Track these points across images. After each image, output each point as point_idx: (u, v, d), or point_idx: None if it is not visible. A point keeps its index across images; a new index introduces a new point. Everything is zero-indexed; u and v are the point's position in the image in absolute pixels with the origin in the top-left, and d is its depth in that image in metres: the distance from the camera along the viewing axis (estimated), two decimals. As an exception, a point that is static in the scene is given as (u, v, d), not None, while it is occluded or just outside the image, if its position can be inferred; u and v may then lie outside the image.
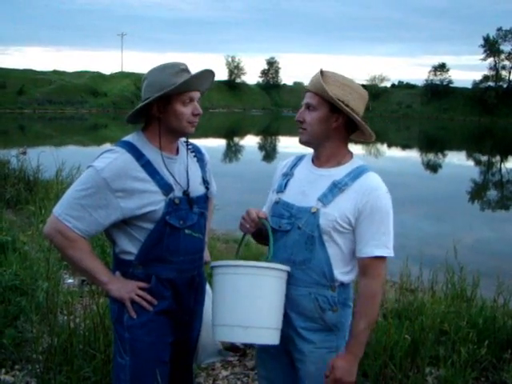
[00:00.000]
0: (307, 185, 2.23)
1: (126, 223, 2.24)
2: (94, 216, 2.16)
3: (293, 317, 2.19)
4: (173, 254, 2.27)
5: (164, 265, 2.27)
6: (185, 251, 2.30)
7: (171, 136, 2.30)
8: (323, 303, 2.16)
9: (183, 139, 2.45)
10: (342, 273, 2.18)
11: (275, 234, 2.23)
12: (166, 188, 2.23)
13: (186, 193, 2.29)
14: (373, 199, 2.12)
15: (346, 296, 2.22)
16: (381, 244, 2.11)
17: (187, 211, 2.29)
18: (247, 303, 2.04)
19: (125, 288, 2.23)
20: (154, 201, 2.20)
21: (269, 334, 2.07)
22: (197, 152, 2.50)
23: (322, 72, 2.19)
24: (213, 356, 2.63)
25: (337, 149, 2.23)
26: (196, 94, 2.26)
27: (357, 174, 2.17)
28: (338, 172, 2.20)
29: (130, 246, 2.26)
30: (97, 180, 2.15)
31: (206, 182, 2.46)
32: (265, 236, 2.26)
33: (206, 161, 2.52)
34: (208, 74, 2.28)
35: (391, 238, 2.14)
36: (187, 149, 2.45)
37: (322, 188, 2.18)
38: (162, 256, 2.26)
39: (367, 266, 2.13)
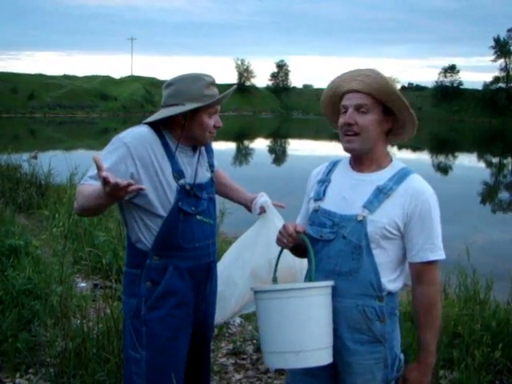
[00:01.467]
0: (349, 191, 2.11)
1: (140, 210, 2.27)
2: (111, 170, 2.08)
3: (339, 329, 2.08)
4: (188, 241, 2.31)
5: (181, 253, 2.30)
6: (198, 237, 2.35)
7: (189, 141, 2.37)
8: (371, 314, 2.06)
9: None
10: (390, 281, 2.08)
11: (316, 245, 2.12)
12: (178, 172, 2.29)
13: (194, 182, 2.34)
14: (422, 203, 2.04)
15: (393, 305, 2.12)
16: (435, 248, 2.05)
17: (197, 197, 2.34)
18: (296, 327, 1.95)
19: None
20: (166, 183, 2.25)
21: (322, 355, 1.99)
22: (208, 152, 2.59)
23: (361, 70, 2.09)
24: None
25: (380, 152, 2.14)
26: (218, 108, 2.37)
27: (400, 177, 2.09)
28: (381, 176, 2.10)
29: (145, 235, 2.30)
30: (119, 146, 2.22)
31: (211, 166, 2.53)
32: (303, 249, 2.16)
33: (212, 150, 2.61)
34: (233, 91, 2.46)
35: (441, 240, 2.08)
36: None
37: (365, 194, 2.07)
38: (178, 244, 2.29)
39: (423, 272, 2.06)
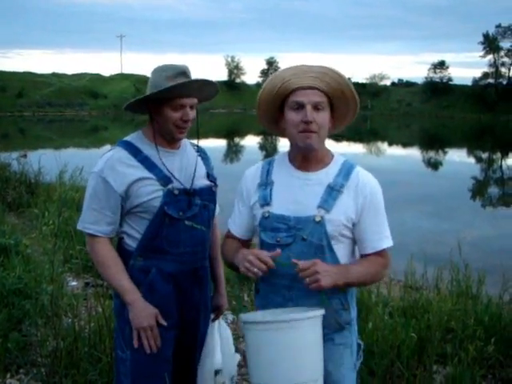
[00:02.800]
0: (299, 192, 2.09)
1: (127, 213, 2.29)
2: (107, 210, 2.26)
3: None
4: (172, 245, 2.28)
5: (164, 257, 2.29)
6: (185, 243, 2.31)
7: (163, 137, 2.32)
8: (336, 305, 2.10)
9: (187, 140, 2.48)
10: None
11: (272, 249, 2.04)
12: (164, 179, 2.26)
13: (185, 187, 2.30)
14: (370, 194, 2.09)
15: (352, 291, 2.19)
16: (384, 237, 2.12)
17: (187, 202, 2.29)
18: (287, 359, 1.88)
19: (144, 315, 2.23)
20: (152, 190, 2.24)
21: None
22: (201, 152, 2.52)
23: (314, 67, 2.04)
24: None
25: (324, 150, 2.14)
26: (188, 101, 2.24)
27: (346, 171, 2.10)
28: (328, 174, 2.10)
29: (131, 236, 2.30)
30: (98, 181, 2.25)
31: (211, 177, 2.46)
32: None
33: (211, 163, 2.54)
34: (201, 83, 2.26)
35: (388, 228, 2.15)
36: (194, 147, 2.49)
37: (317, 194, 2.06)
38: (162, 247, 2.27)
39: (372, 256, 2.12)
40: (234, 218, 2.28)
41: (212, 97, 2.43)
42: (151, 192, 2.23)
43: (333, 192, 2.06)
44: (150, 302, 2.27)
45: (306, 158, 2.11)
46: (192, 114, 2.27)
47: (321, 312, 1.96)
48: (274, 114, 2.15)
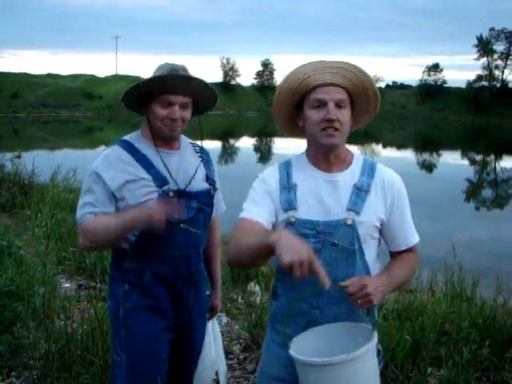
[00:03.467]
0: (325, 195, 1.98)
1: None
2: (99, 207, 2.22)
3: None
4: (167, 248, 2.26)
5: (159, 259, 2.26)
6: (180, 246, 2.29)
7: (158, 136, 2.30)
8: (361, 312, 2.00)
9: (189, 140, 2.46)
10: (376, 273, 2.03)
11: None
12: (160, 180, 2.23)
13: (181, 189, 2.27)
14: (396, 192, 2.04)
15: None
16: (414, 231, 2.11)
17: (182, 205, 2.26)
18: None
19: (149, 209, 2.11)
20: (147, 192, 2.21)
21: None
22: (204, 154, 2.49)
23: (337, 62, 1.95)
24: None
25: (345, 148, 2.07)
26: (176, 99, 2.20)
27: (370, 170, 2.04)
28: (352, 174, 2.02)
29: (125, 240, 2.26)
30: (93, 177, 2.23)
31: (210, 180, 2.43)
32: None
33: (212, 166, 2.50)
34: (185, 78, 2.21)
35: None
36: (195, 148, 2.47)
37: (345, 195, 1.98)
38: (156, 250, 2.25)
39: (405, 254, 2.09)
40: (249, 207, 2.01)
41: (210, 98, 2.37)
42: (146, 193, 2.21)
43: (361, 193, 1.99)
44: (144, 304, 2.25)
45: (327, 157, 2.02)
46: (183, 113, 2.23)
47: (376, 338, 1.87)
48: (291, 112, 2.07)
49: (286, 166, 2.09)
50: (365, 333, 1.92)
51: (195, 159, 2.42)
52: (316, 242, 1.94)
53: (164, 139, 2.30)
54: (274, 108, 2.10)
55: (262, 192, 2.03)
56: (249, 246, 1.80)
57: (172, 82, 2.17)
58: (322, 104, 1.93)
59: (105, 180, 2.21)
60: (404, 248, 2.08)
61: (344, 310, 1.97)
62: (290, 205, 1.99)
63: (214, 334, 2.65)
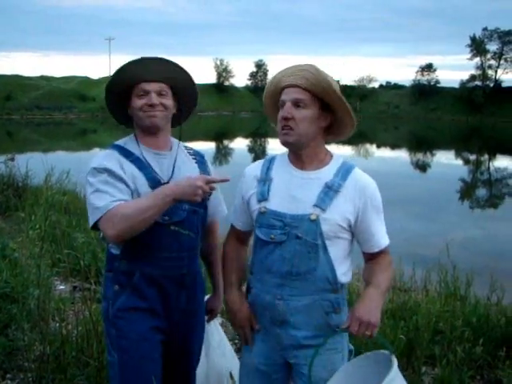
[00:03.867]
0: (296, 190, 2.10)
1: None
2: (117, 187, 2.15)
3: (296, 327, 2.11)
4: (157, 249, 2.25)
5: (148, 260, 2.26)
6: (170, 248, 2.27)
7: (147, 132, 2.31)
8: (327, 307, 2.10)
9: (182, 143, 2.46)
10: (343, 274, 2.13)
11: (266, 247, 2.11)
12: (152, 181, 2.23)
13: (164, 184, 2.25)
14: (369, 196, 2.11)
15: (344, 296, 2.19)
16: (384, 234, 2.18)
17: (174, 207, 2.23)
18: None
19: (182, 185, 2.07)
20: (140, 191, 2.21)
21: None
22: (198, 156, 2.49)
23: (301, 66, 2.08)
24: None
25: (319, 149, 2.15)
26: (150, 86, 2.23)
27: (345, 171, 2.12)
28: (326, 173, 2.11)
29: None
30: (101, 171, 2.18)
31: None
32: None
33: (208, 168, 2.50)
34: (150, 61, 2.22)
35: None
36: (188, 152, 2.47)
37: (314, 192, 2.07)
38: (145, 251, 2.24)
39: (380, 258, 2.17)
40: (235, 211, 2.32)
41: (187, 82, 2.34)
42: (141, 191, 2.21)
43: (330, 191, 2.07)
44: (134, 305, 2.26)
45: (298, 156, 2.14)
46: (162, 100, 2.24)
47: (396, 362, 1.92)
48: (276, 113, 2.17)
49: (269, 161, 2.24)
50: (385, 359, 1.97)
51: (188, 161, 2.42)
52: (281, 234, 2.08)
53: (149, 130, 2.29)
54: (266, 112, 2.28)
55: (241, 195, 2.25)
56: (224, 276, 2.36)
57: (139, 68, 2.20)
58: (283, 104, 2.08)
59: (114, 170, 2.18)
60: (377, 250, 2.17)
61: (308, 302, 2.08)
62: (262, 196, 2.14)
63: (219, 336, 2.67)
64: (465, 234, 10.42)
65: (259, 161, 2.29)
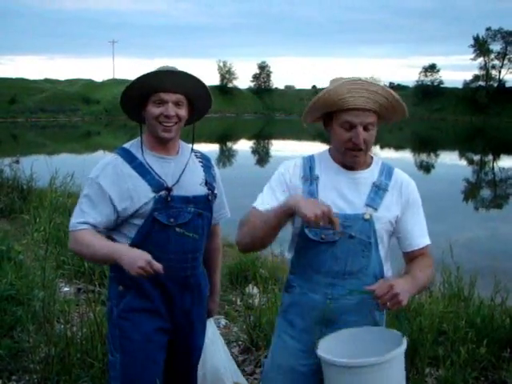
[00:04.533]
0: (345, 189, 2.11)
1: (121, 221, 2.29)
2: (98, 208, 2.24)
3: (344, 326, 2.08)
4: (160, 251, 2.26)
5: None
6: (174, 249, 2.30)
7: (157, 139, 2.31)
8: (371, 305, 2.07)
9: (189, 145, 2.48)
10: (388, 269, 2.18)
11: (317, 247, 2.09)
12: (156, 186, 2.26)
13: (169, 189, 2.28)
14: (411, 193, 2.18)
15: None
16: (425, 233, 2.21)
17: (180, 210, 2.28)
18: None
19: (137, 257, 2.11)
20: (143, 197, 2.23)
21: None
22: (204, 160, 2.50)
23: (372, 85, 2.01)
24: None
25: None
26: (169, 97, 2.23)
27: (387, 171, 2.19)
28: (372, 173, 2.16)
29: (120, 240, 2.29)
30: (93, 186, 2.26)
31: (209, 185, 2.43)
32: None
33: (213, 171, 2.51)
34: (175, 74, 2.23)
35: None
36: (196, 154, 2.48)
37: (364, 192, 2.12)
38: (151, 253, 2.22)
39: (420, 258, 2.17)
40: (264, 199, 2.15)
41: (198, 94, 2.35)
42: (143, 198, 2.23)
43: (379, 190, 2.13)
44: (138, 305, 2.28)
45: (348, 165, 2.16)
46: (178, 111, 2.25)
47: (405, 343, 1.90)
48: (320, 115, 2.16)
49: (309, 160, 2.21)
50: (393, 338, 1.96)
51: (194, 164, 2.43)
52: (333, 234, 2.05)
53: (161, 140, 2.31)
54: (308, 110, 2.15)
55: (283, 187, 2.14)
56: (265, 221, 2.00)
57: (160, 78, 2.20)
58: (351, 126, 2.04)
59: (104, 188, 2.24)
60: (416, 248, 2.18)
61: (358, 300, 2.08)
62: (311, 195, 2.10)
63: (213, 333, 2.69)
64: (469, 234, 10.40)
65: (294, 160, 2.22)
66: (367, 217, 2.07)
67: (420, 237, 2.18)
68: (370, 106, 2.02)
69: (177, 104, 2.25)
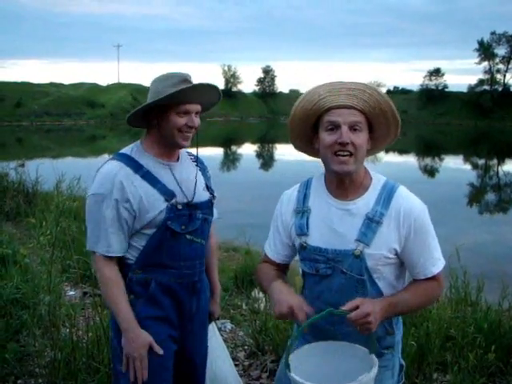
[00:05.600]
0: (336, 223, 1.96)
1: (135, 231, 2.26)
2: (121, 231, 2.21)
3: (339, 337, 1.97)
4: (172, 259, 2.26)
5: (164, 270, 2.27)
6: (185, 257, 2.29)
7: (168, 146, 2.29)
8: (380, 332, 1.98)
9: (184, 150, 2.45)
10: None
11: (312, 278, 2.02)
12: (168, 194, 2.24)
13: (188, 201, 2.28)
14: (415, 221, 1.94)
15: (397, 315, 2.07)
16: (435, 261, 2.00)
17: (189, 217, 2.28)
18: None
19: (135, 345, 2.19)
20: (157, 207, 2.21)
21: None
22: (199, 163, 2.50)
23: (352, 83, 1.89)
24: None
25: (361, 172, 2.00)
26: (193, 107, 2.23)
27: (387, 196, 1.96)
28: (367, 201, 1.96)
29: (131, 249, 2.26)
30: (110, 204, 2.18)
31: (209, 189, 2.44)
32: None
33: (208, 173, 2.52)
34: (205, 87, 2.25)
35: (439, 247, 2.02)
36: (190, 157, 2.46)
37: (355, 225, 1.93)
38: (162, 261, 2.25)
39: (425, 282, 2.00)
40: (269, 242, 2.18)
41: (213, 104, 2.39)
42: (157, 208, 2.20)
43: (372, 224, 1.93)
44: (150, 314, 2.25)
45: (342, 182, 1.98)
46: (197, 120, 2.26)
47: (375, 371, 1.78)
48: (307, 134, 2.01)
49: (305, 188, 2.10)
50: (366, 357, 1.86)
51: (193, 169, 2.42)
52: (326, 268, 1.97)
53: (173, 148, 2.31)
54: (289, 128, 2.06)
55: (278, 224, 2.13)
56: (264, 285, 2.10)
57: (195, 92, 2.20)
58: (335, 127, 1.88)
59: (123, 204, 2.18)
60: (423, 277, 2.00)
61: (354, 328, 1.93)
62: (301, 230, 2.02)
63: (216, 338, 2.68)
64: (475, 238, 10.37)
65: (295, 186, 2.15)
66: (357, 253, 1.91)
67: (429, 266, 1.98)
68: (353, 102, 1.87)
69: (196, 113, 2.26)
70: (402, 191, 1.99)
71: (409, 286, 2.04)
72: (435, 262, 2.00)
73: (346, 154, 1.87)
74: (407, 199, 1.98)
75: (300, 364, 1.84)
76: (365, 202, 1.96)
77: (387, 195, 1.97)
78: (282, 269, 2.20)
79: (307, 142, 2.05)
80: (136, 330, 2.20)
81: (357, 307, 1.79)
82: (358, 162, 1.91)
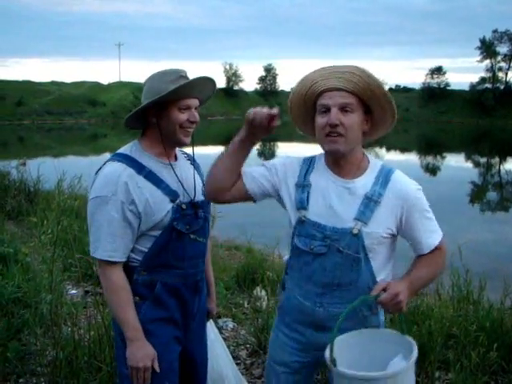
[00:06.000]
0: (335, 200, 2.01)
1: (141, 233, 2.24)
2: (126, 235, 2.17)
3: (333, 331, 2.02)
4: (177, 259, 2.26)
5: (169, 270, 2.26)
6: (189, 256, 2.29)
7: (167, 144, 2.27)
8: (366, 311, 2.07)
9: (178, 149, 2.44)
10: (387, 275, 2.09)
11: (306, 256, 2.05)
12: (172, 194, 2.22)
13: (191, 200, 2.28)
14: (411, 201, 2.02)
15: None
16: (435, 232, 2.09)
17: (193, 216, 2.27)
18: None
19: (139, 356, 2.16)
20: (163, 208, 2.19)
21: None
22: (192, 161, 2.49)
23: (343, 67, 1.96)
24: None
25: (359, 154, 2.07)
26: (193, 102, 2.23)
27: (384, 179, 2.03)
28: (365, 182, 2.03)
29: (135, 251, 2.23)
30: (118, 206, 2.13)
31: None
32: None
33: (202, 170, 2.51)
34: (204, 81, 2.25)
35: (434, 218, 2.11)
36: (184, 156, 2.47)
37: (354, 204, 2.00)
38: (168, 262, 2.24)
39: (434, 255, 2.09)
40: (253, 171, 2.15)
41: (209, 97, 2.37)
42: (163, 209, 2.19)
43: (370, 203, 1.99)
44: (156, 316, 2.24)
45: (337, 163, 2.05)
46: (197, 115, 2.25)
47: (416, 349, 1.86)
48: (307, 118, 2.10)
49: (309, 164, 2.14)
50: (401, 341, 1.92)
51: (190, 167, 2.42)
52: (321, 246, 2.02)
53: (175, 146, 2.30)
54: (291, 116, 2.15)
55: (281, 173, 2.13)
56: (227, 153, 2.10)
57: (195, 87, 2.20)
58: (327, 109, 1.96)
59: (130, 208, 2.14)
60: (427, 250, 2.08)
61: (354, 323, 2.02)
62: (301, 204, 2.06)
63: (215, 336, 2.68)
64: (477, 237, 10.35)
65: (300, 158, 2.19)
66: (355, 232, 1.97)
67: (428, 239, 2.06)
68: (343, 85, 1.93)
69: (195, 108, 2.25)
70: (399, 174, 2.08)
71: (416, 263, 2.10)
72: (434, 234, 2.08)
73: (335, 134, 1.95)
74: (403, 181, 2.07)
75: (339, 357, 1.84)
76: (363, 183, 2.03)
77: (384, 177, 2.05)
78: (241, 193, 2.16)
79: (308, 125, 2.14)
80: (142, 340, 2.17)
81: (384, 290, 1.89)
82: (349, 142, 1.98)
